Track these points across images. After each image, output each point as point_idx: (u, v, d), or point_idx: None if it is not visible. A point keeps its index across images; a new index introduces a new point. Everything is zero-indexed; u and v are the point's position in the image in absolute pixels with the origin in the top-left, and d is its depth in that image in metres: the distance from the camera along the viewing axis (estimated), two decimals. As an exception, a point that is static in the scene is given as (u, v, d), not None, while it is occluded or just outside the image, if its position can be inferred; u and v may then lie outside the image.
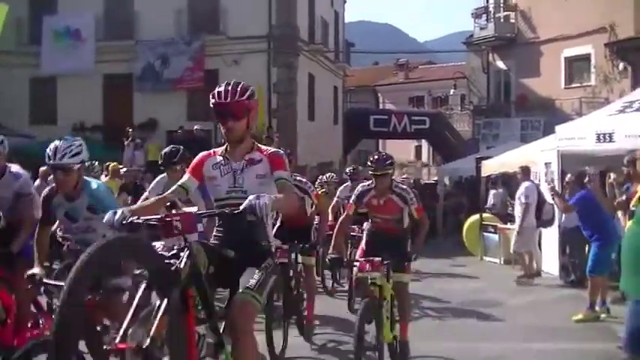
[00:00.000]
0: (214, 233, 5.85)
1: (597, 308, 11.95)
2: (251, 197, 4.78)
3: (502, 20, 39.32)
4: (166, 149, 10.28)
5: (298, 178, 10.91)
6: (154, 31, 31.64)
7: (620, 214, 10.70)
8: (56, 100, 33.55)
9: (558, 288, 15.32)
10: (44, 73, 32.74)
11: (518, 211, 17.05)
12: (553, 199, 13.71)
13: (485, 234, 20.54)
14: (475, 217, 21.68)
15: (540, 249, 17.45)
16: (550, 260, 16.88)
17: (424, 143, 57.61)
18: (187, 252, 4.73)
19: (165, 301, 4.37)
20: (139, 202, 8.04)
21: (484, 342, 10.62)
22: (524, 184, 17.03)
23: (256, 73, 30.79)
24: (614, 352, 8.94)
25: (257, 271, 5.39)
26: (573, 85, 35.08)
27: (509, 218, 20.47)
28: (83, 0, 32.48)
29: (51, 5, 33.52)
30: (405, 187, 9.08)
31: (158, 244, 4.74)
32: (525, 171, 17.18)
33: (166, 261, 4.59)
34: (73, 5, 32.46)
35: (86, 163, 7.45)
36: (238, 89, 5.66)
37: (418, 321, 12.21)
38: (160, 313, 4.32)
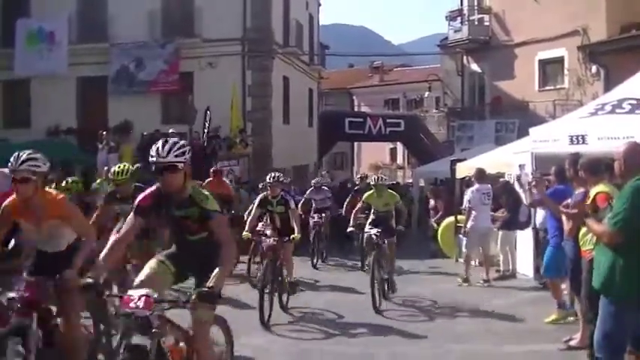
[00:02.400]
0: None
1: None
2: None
3: (476, 23, 39.43)
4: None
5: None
6: (128, 33, 31.47)
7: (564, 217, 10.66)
8: (30, 103, 33.31)
9: (533, 290, 15.35)
10: (17, 76, 32.52)
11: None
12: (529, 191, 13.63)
13: (460, 236, 20.60)
14: (450, 219, 21.72)
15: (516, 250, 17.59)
16: (525, 262, 16.96)
17: (399, 145, 57.86)
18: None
19: None
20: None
21: (457, 344, 10.68)
22: (470, 189, 17.37)
23: (231, 75, 30.82)
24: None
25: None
26: (547, 88, 35.21)
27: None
28: (57, 2, 32.21)
29: (24, 7, 33.27)
30: None
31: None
32: (479, 174, 17.39)
33: None
34: (46, 8, 32.21)
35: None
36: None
37: (392, 322, 12.28)
38: None
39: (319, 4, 45.15)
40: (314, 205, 22.31)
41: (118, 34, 31.87)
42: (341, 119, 43.82)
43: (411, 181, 41.09)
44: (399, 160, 64.13)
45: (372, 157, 63.76)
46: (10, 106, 33.49)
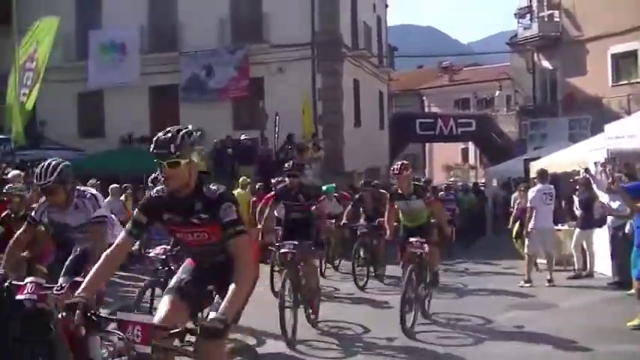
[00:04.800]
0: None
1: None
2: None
3: (546, 19, 39.04)
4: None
5: None
6: (197, 41, 31.81)
7: None
8: (104, 114, 33.89)
9: (610, 289, 15.09)
10: (91, 88, 33.08)
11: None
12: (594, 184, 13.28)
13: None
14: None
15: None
16: (602, 261, 16.68)
17: (471, 145, 57.41)
18: None
19: None
20: None
21: (536, 344, 10.53)
22: (531, 189, 17.13)
23: (301, 80, 30.92)
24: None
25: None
26: (621, 83, 34.70)
27: (559, 219, 20.22)
28: (128, 13, 32.66)
29: (96, 20, 33.88)
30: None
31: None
32: (541, 175, 17.17)
33: None
34: (117, 19, 32.73)
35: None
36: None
37: (468, 323, 12.18)
38: None
39: (386, 6, 45.10)
40: None
41: (187, 42, 32.26)
42: (412, 120, 43.71)
43: (483, 180, 40.78)
44: (471, 160, 63.62)
45: (443, 157, 63.42)
46: (84, 116, 34.04)
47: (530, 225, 16.64)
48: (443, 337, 11.09)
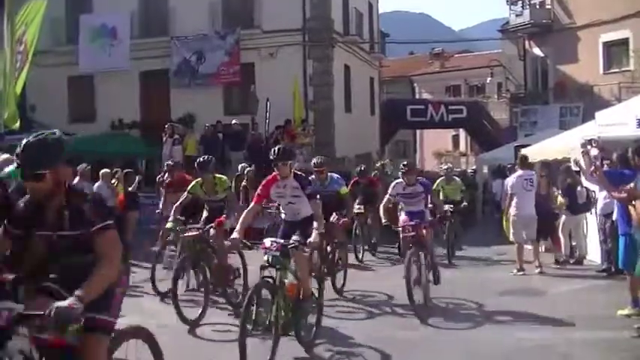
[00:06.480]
0: None
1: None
2: None
3: (538, 7, 39.09)
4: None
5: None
6: (188, 26, 31.70)
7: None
8: (94, 98, 33.73)
9: (600, 276, 15.11)
10: (82, 72, 32.92)
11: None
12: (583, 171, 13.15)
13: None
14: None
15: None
16: (593, 248, 16.70)
17: (462, 132, 57.56)
18: None
19: None
20: None
21: (526, 331, 10.54)
22: (512, 175, 17.18)
23: (292, 65, 30.86)
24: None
25: None
26: (612, 71, 34.76)
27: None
28: (118, -2, 32.63)
29: (87, 4, 33.69)
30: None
31: None
32: (522, 160, 17.19)
33: None
34: (108, 3, 32.58)
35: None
36: None
37: (459, 309, 12.22)
38: None
39: (378, -8, 44.99)
40: None
41: (178, 27, 32.12)
42: (403, 107, 43.69)
43: (474, 167, 40.82)
44: (462, 147, 63.77)
45: (434, 144, 63.54)
46: (75, 101, 33.84)
47: (512, 212, 16.62)
48: (433, 322, 11.11)
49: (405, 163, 13.65)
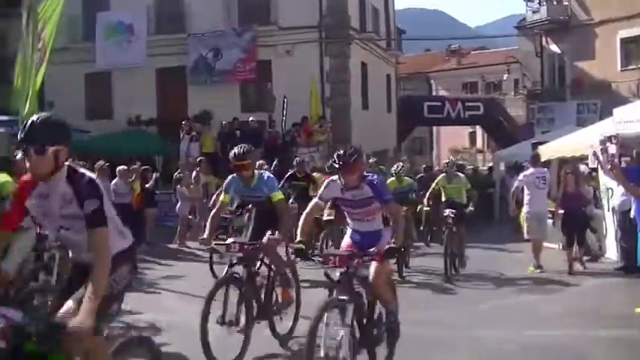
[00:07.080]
0: None
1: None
2: None
3: (555, 3, 38.88)
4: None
5: None
6: (204, 23, 31.79)
7: None
8: (111, 95, 33.84)
9: (618, 274, 15.05)
10: (98, 69, 33.00)
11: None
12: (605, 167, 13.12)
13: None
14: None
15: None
16: (611, 245, 16.62)
17: (478, 129, 57.31)
18: None
19: None
20: None
21: (542, 329, 10.51)
22: (524, 172, 17.25)
23: (309, 62, 30.88)
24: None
25: None
26: (630, 67, 34.60)
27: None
28: (135, -5, 32.72)
29: (103, 1, 33.82)
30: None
31: None
32: (533, 158, 17.16)
33: None
34: (124, 0, 32.70)
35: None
36: None
37: (477, 306, 12.19)
38: None
39: (395, -11, 44.94)
40: None
41: (194, 23, 32.21)
42: (419, 103, 43.54)
43: (491, 164, 40.70)
44: (479, 143, 63.57)
45: (451, 141, 63.36)
46: (92, 98, 33.90)
47: (524, 209, 16.61)
48: (448, 321, 11.10)
49: (340, 153, 8.14)
